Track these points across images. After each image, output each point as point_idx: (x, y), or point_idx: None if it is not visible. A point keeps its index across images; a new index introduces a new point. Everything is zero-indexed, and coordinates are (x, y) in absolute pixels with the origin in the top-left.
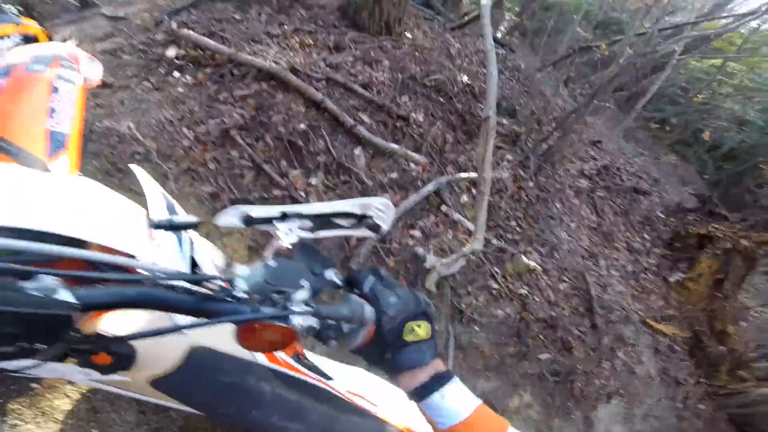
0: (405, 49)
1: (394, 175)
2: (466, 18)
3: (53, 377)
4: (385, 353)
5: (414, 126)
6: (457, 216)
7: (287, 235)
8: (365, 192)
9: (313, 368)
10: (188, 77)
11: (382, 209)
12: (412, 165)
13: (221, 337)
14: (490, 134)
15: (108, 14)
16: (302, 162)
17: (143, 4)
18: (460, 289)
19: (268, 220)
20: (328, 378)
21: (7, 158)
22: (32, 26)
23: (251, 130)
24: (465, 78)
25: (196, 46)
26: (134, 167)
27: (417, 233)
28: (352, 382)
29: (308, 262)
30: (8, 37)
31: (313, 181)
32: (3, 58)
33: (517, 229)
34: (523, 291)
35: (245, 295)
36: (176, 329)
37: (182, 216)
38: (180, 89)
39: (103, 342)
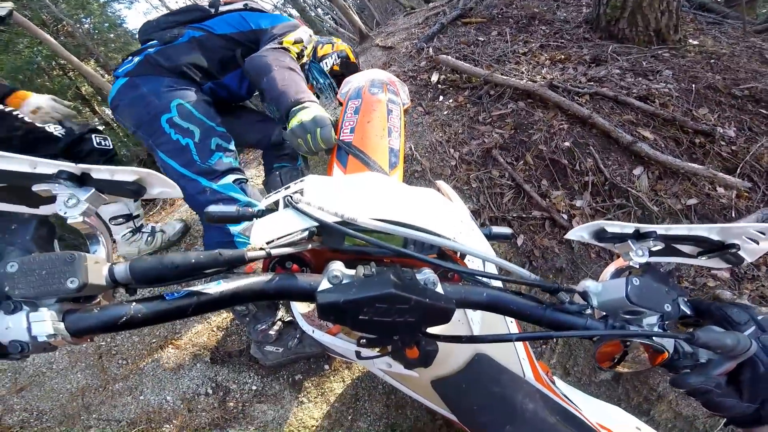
0: (692, 57)
1: (692, 201)
2: None
3: (353, 360)
4: (753, 397)
5: (722, 142)
6: None
7: (639, 255)
8: (647, 220)
9: (565, 395)
10: (450, 101)
11: (758, 237)
12: (721, 190)
13: (500, 348)
14: None
15: (381, 45)
16: (565, 182)
17: (402, 34)
18: None
19: (622, 237)
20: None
21: (365, 168)
22: (342, 44)
23: (511, 149)
24: None
25: (453, 70)
26: (440, 183)
27: (723, 274)
28: (602, 416)
29: (663, 286)
30: (329, 56)
31: (578, 203)
32: (348, 83)
33: None
34: None
35: (589, 310)
36: (514, 338)
37: (499, 227)
38: (445, 112)
39: (432, 338)
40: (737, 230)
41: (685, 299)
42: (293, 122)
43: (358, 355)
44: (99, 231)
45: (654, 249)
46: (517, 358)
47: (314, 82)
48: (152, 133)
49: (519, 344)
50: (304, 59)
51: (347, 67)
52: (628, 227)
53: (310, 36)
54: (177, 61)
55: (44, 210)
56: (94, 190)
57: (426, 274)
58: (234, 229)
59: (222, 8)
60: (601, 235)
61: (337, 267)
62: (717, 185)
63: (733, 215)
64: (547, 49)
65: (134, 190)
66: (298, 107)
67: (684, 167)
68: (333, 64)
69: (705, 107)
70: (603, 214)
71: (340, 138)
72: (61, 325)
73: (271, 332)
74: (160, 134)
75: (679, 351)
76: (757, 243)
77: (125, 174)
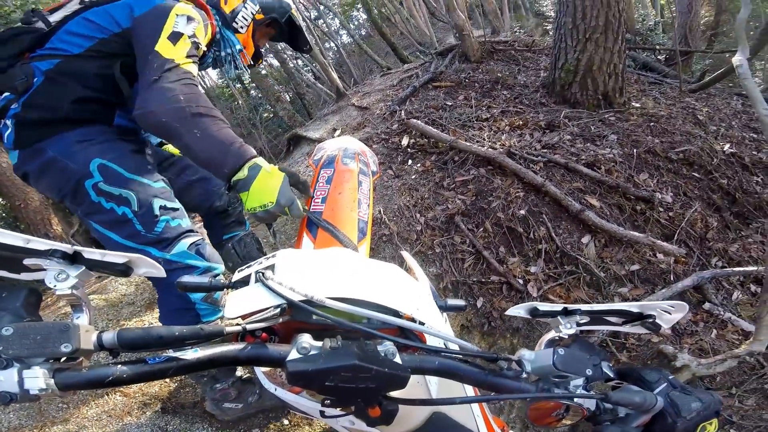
0: (634, 120)
1: (635, 267)
2: (708, 77)
3: (315, 418)
4: None
5: (660, 209)
6: (727, 315)
7: (567, 328)
8: (594, 284)
9: None
10: (418, 165)
11: (670, 310)
12: (660, 256)
13: (456, 406)
14: None
15: (357, 104)
16: (521, 249)
17: (377, 94)
18: (721, 390)
19: (553, 314)
20: None
21: (336, 242)
22: None
23: (472, 215)
24: (726, 147)
25: (422, 135)
26: (404, 253)
27: (665, 330)
28: None
29: (585, 354)
30: (240, 7)
31: (533, 269)
32: (322, 150)
33: None
34: None
35: (525, 375)
36: (458, 401)
37: (454, 299)
38: (413, 176)
39: (392, 400)
40: (652, 305)
41: (609, 364)
42: (253, 204)
43: (322, 414)
44: (84, 301)
45: (582, 322)
46: (471, 416)
47: (222, 52)
48: (80, 204)
49: (473, 403)
50: (203, 48)
51: (274, 11)
52: (557, 306)
53: (188, 18)
54: (56, 111)
55: (25, 276)
56: (84, 268)
57: (386, 346)
58: (195, 297)
59: (53, 17)
60: (534, 312)
61: (305, 339)
62: (657, 252)
63: (672, 279)
64: (507, 115)
65: (122, 271)
66: (244, 178)
67: (627, 236)
68: (254, 14)
69: (645, 172)
70: (555, 280)
71: (311, 208)
72: (52, 381)
73: (231, 391)
74: (88, 204)
75: (600, 407)
76: (670, 313)
77: (115, 257)
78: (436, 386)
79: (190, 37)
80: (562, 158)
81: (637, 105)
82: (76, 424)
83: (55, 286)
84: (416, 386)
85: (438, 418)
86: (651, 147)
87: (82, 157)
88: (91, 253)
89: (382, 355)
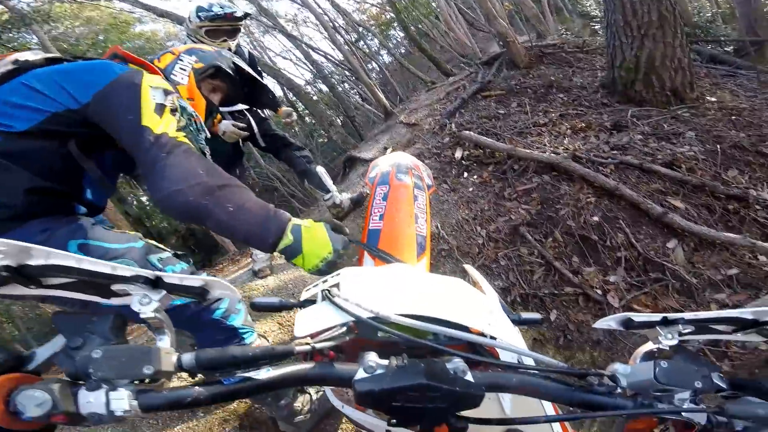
0: (712, 114)
1: (733, 270)
2: None
3: None
4: None
5: (757, 207)
6: None
7: (668, 339)
8: (686, 291)
9: None
10: (475, 177)
11: None
12: (763, 258)
13: (534, 427)
14: None
15: (405, 121)
16: (597, 258)
17: (425, 110)
18: None
19: (650, 324)
20: None
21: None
22: (184, 45)
23: (538, 225)
24: None
25: (476, 146)
26: (468, 267)
27: None
28: None
29: (692, 365)
30: (174, 62)
31: (612, 278)
32: (376, 168)
33: None
34: None
35: (619, 390)
36: (542, 420)
37: (528, 313)
38: (470, 189)
39: (462, 419)
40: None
41: (719, 374)
42: (314, 261)
43: None
44: (165, 324)
45: (684, 332)
46: None
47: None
48: None
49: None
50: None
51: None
52: (655, 316)
53: (165, 91)
54: (8, 207)
55: (114, 301)
56: (165, 292)
57: (456, 363)
58: (236, 322)
59: None
60: (628, 323)
61: (371, 357)
62: (758, 253)
63: None
64: (567, 118)
65: (199, 293)
66: (291, 244)
67: (720, 238)
68: (191, 63)
69: (734, 168)
70: (639, 288)
71: (369, 225)
72: (135, 403)
73: (297, 404)
74: None
75: (713, 421)
76: None
77: (193, 281)
78: (509, 402)
79: (173, 111)
80: (636, 159)
81: (713, 99)
82: None
83: (139, 310)
84: (487, 402)
85: None
86: (737, 141)
87: (56, 244)
88: (171, 278)
89: (452, 372)
